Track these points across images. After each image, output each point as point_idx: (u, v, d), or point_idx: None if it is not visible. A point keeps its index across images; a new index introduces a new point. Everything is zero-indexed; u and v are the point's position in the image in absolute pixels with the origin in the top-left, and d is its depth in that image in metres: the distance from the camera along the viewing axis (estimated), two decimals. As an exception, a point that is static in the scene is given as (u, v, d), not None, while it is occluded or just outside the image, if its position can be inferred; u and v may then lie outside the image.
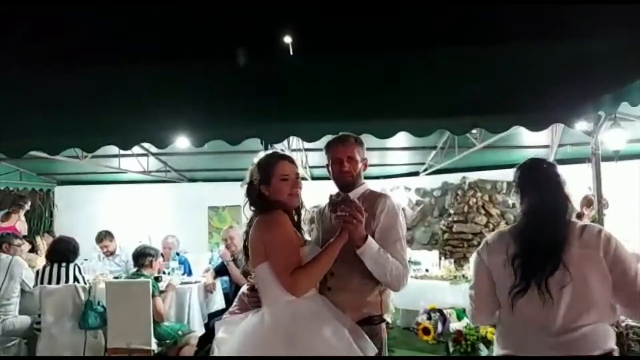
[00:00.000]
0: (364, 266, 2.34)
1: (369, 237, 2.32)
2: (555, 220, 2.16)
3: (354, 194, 2.52)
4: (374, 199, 2.53)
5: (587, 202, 4.71)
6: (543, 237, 2.11)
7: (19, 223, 7.82)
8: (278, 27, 3.55)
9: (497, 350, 2.27)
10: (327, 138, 3.58)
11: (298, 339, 2.10)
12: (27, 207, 8.09)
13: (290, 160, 2.40)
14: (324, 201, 2.62)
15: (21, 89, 3.49)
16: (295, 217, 2.42)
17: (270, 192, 2.31)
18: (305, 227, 2.56)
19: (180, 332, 5.00)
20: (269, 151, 2.50)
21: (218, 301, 5.74)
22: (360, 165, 2.60)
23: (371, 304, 2.46)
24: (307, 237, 2.51)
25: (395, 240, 2.45)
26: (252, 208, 2.38)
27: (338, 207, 2.34)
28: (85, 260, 6.42)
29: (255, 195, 2.35)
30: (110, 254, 6.60)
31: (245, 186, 2.40)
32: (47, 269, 5.05)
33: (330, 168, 2.65)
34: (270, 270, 2.20)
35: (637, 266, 2.08)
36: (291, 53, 3.57)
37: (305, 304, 2.21)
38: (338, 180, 2.61)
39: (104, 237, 6.58)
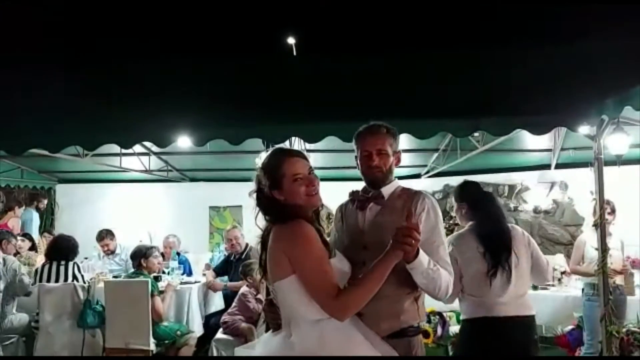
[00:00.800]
0: (399, 271, 2.04)
1: (421, 252, 2.02)
2: (505, 223, 3.29)
3: (385, 192, 2.29)
4: (409, 197, 2.27)
5: (610, 208, 4.71)
6: (503, 235, 3.19)
7: (12, 220, 7.83)
8: (281, 28, 3.54)
9: (468, 315, 3.22)
10: (329, 139, 3.59)
11: None
12: (43, 204, 8.63)
13: (299, 155, 2.09)
14: (328, 204, 2.45)
15: (22, 87, 3.49)
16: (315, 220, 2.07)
17: (285, 197, 1.99)
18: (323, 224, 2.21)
19: (179, 333, 4.99)
20: (272, 150, 2.22)
21: (217, 302, 5.73)
22: (392, 159, 2.32)
23: (408, 312, 2.21)
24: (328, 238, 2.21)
25: (438, 244, 2.20)
26: (267, 217, 2.04)
27: (367, 204, 2.16)
28: (86, 258, 6.42)
29: (268, 203, 2.02)
30: (110, 252, 6.59)
31: (255, 194, 2.06)
32: (47, 267, 5.04)
33: (358, 161, 2.36)
34: (299, 285, 1.90)
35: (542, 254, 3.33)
36: (294, 53, 3.55)
37: (333, 324, 1.92)
38: (366, 175, 2.33)
39: (104, 235, 6.58)
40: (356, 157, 2.37)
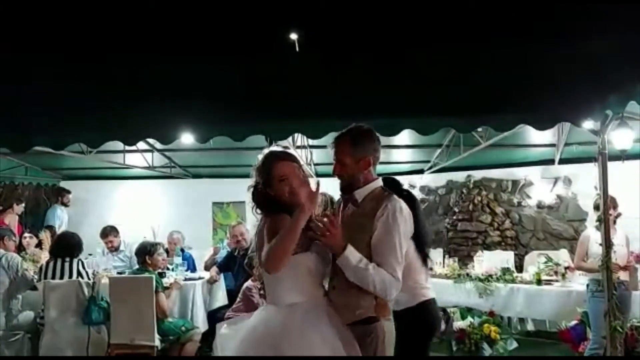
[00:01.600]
0: None
1: (349, 248, 2.23)
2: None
3: (359, 194, 2.43)
4: (378, 201, 2.37)
5: (612, 203, 4.70)
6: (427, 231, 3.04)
7: (9, 216, 7.86)
8: (284, 24, 3.53)
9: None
10: (332, 135, 3.58)
11: (286, 346, 2.13)
12: (68, 199, 8.80)
13: (289, 159, 2.36)
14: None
15: (26, 84, 3.49)
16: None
17: (275, 194, 2.29)
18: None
19: (183, 329, 5.01)
20: (266, 151, 2.49)
21: (221, 298, 5.74)
22: (354, 166, 2.42)
23: (364, 307, 2.34)
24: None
25: (389, 249, 2.29)
26: (259, 211, 2.35)
27: (347, 204, 2.28)
28: (90, 255, 6.44)
29: (261, 199, 2.33)
30: (114, 249, 6.61)
31: (251, 190, 2.37)
32: (51, 264, 5.06)
33: None
34: (281, 272, 2.15)
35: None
36: (297, 50, 3.54)
37: (303, 310, 2.22)
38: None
39: (108, 232, 6.60)
40: None
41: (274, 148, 2.63)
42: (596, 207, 4.55)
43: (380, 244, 2.30)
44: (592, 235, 4.83)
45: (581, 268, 5.04)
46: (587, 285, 4.80)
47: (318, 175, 7.96)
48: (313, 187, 2.22)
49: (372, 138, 2.48)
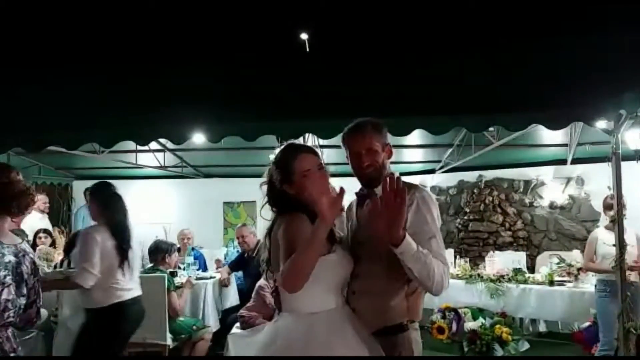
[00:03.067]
0: (390, 266, 2.05)
1: (408, 236, 1.96)
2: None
3: (378, 190, 2.19)
4: None
5: (606, 205, 4.65)
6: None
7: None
8: (294, 24, 3.54)
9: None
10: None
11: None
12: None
13: (310, 151, 2.17)
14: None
15: (40, 85, 3.53)
16: None
17: (295, 191, 2.08)
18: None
19: (194, 327, 5.03)
20: (284, 145, 2.25)
21: (232, 297, 5.77)
22: (383, 154, 2.25)
23: (395, 309, 2.15)
24: (341, 233, 2.29)
25: (430, 237, 2.10)
26: (274, 209, 2.16)
27: (364, 200, 2.12)
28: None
29: (277, 196, 2.13)
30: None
31: (265, 186, 2.18)
32: (65, 262, 5.10)
33: (349, 162, 2.31)
34: None
35: None
36: (307, 49, 3.55)
37: (325, 318, 2.01)
38: (360, 176, 2.28)
39: None
40: (347, 157, 2.34)
41: (292, 141, 2.40)
42: (607, 207, 4.52)
43: (419, 233, 2.08)
44: (599, 236, 4.82)
45: (590, 269, 5.02)
46: (595, 286, 4.76)
47: (331, 175, 7.97)
48: (334, 191, 1.94)
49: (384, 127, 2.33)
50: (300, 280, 1.85)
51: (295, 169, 2.09)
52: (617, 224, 3.86)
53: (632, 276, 4.50)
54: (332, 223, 1.97)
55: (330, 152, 7.31)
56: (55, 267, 5.21)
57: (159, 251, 5.18)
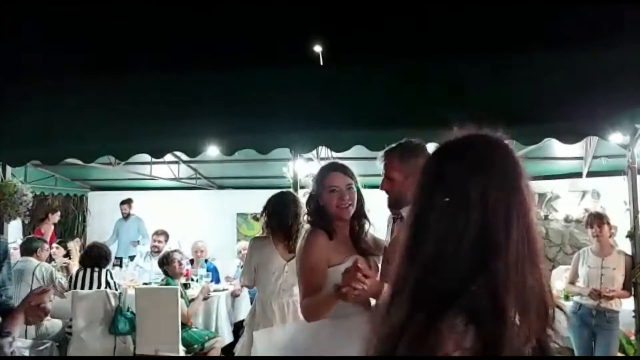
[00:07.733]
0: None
1: (386, 287, 1.92)
2: None
3: (404, 212, 2.16)
4: None
5: (601, 220, 4.27)
6: None
7: (45, 226, 8.03)
8: (308, 37, 3.56)
9: None
10: (357, 148, 3.59)
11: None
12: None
13: (343, 171, 2.36)
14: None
15: (57, 99, 3.59)
16: (357, 228, 2.36)
17: (323, 204, 2.32)
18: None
19: (206, 337, 5.04)
20: (327, 162, 2.52)
21: (245, 309, 5.75)
22: (402, 182, 2.22)
23: None
24: (384, 239, 2.46)
25: None
26: (309, 219, 2.40)
27: (396, 219, 2.24)
28: (115, 266, 6.53)
29: (313, 206, 2.37)
30: (158, 251, 6.58)
31: (307, 195, 2.48)
32: (80, 273, 5.14)
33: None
34: None
35: None
36: (321, 63, 3.58)
37: (335, 324, 2.12)
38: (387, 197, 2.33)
39: (160, 232, 6.77)
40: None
41: (335, 160, 2.69)
42: (588, 224, 4.31)
43: None
44: (582, 255, 4.46)
45: (569, 290, 4.57)
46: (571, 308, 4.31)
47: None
48: (350, 262, 2.04)
49: (423, 153, 2.23)
50: (315, 318, 2.13)
51: (324, 184, 2.32)
52: (634, 240, 3.81)
53: (609, 304, 4.11)
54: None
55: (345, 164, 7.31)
56: (71, 278, 5.25)
57: (160, 262, 5.22)
